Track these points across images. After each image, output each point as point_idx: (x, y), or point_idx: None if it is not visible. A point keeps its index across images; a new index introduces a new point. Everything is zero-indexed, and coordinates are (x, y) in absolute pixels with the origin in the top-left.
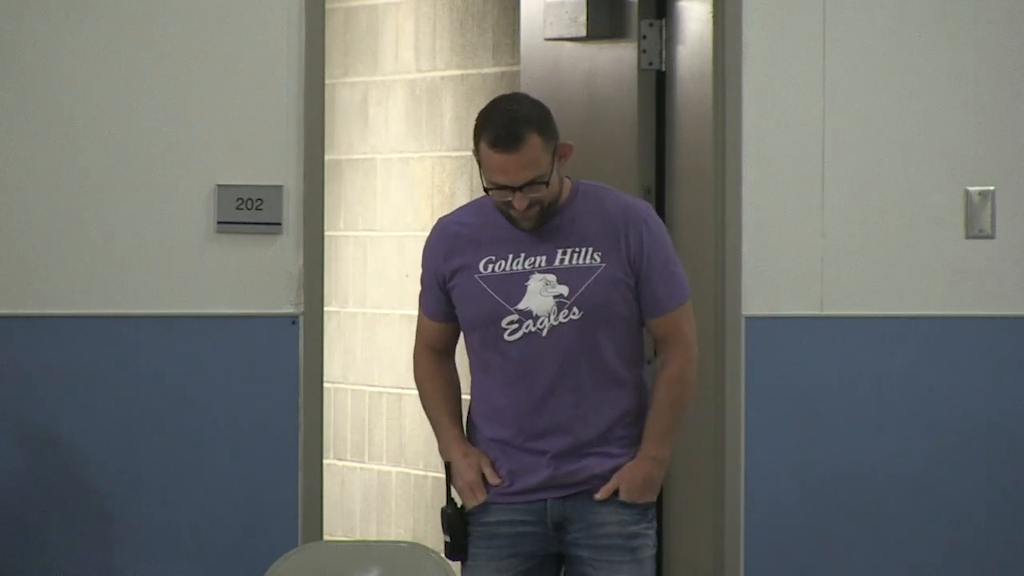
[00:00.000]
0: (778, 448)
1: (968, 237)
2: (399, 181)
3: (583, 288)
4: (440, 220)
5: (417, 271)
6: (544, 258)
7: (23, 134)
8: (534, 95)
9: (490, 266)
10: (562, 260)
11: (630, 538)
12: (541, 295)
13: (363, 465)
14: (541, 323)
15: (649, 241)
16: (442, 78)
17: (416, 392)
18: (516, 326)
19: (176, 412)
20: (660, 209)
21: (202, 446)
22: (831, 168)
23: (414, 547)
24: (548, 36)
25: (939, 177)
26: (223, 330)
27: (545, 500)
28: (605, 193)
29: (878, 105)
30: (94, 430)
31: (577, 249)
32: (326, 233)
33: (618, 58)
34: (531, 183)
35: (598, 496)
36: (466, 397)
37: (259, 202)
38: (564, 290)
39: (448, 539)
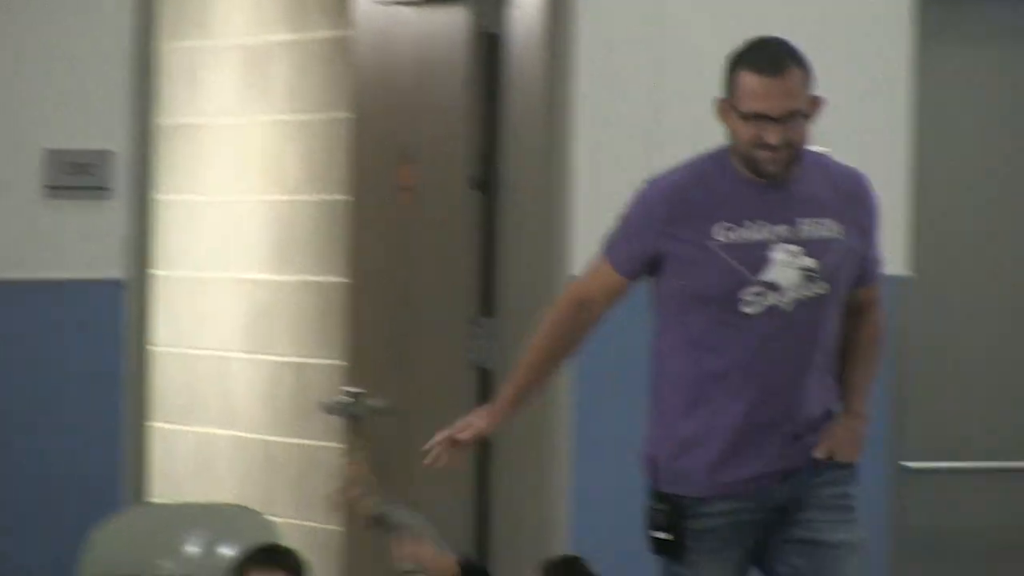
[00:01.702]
0: (608, 418)
1: None
2: (229, 147)
3: (830, 261)
4: (657, 181)
5: (249, 237)
6: (785, 227)
7: None
8: (367, 60)
9: (727, 234)
10: (805, 230)
11: (846, 497)
12: (787, 268)
13: (189, 428)
14: (785, 296)
15: (874, 211)
16: (274, 42)
17: (251, 357)
18: (758, 299)
19: (1, 377)
20: (492, 173)
21: (27, 411)
22: (664, 131)
23: (240, 508)
24: (382, 0)
25: None
26: (51, 295)
27: (768, 488)
28: (825, 159)
29: (715, 65)
30: None
31: (819, 220)
32: (155, 198)
33: (451, 22)
34: (790, 115)
35: (817, 454)
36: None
37: (89, 167)
38: (812, 263)
39: (667, 536)
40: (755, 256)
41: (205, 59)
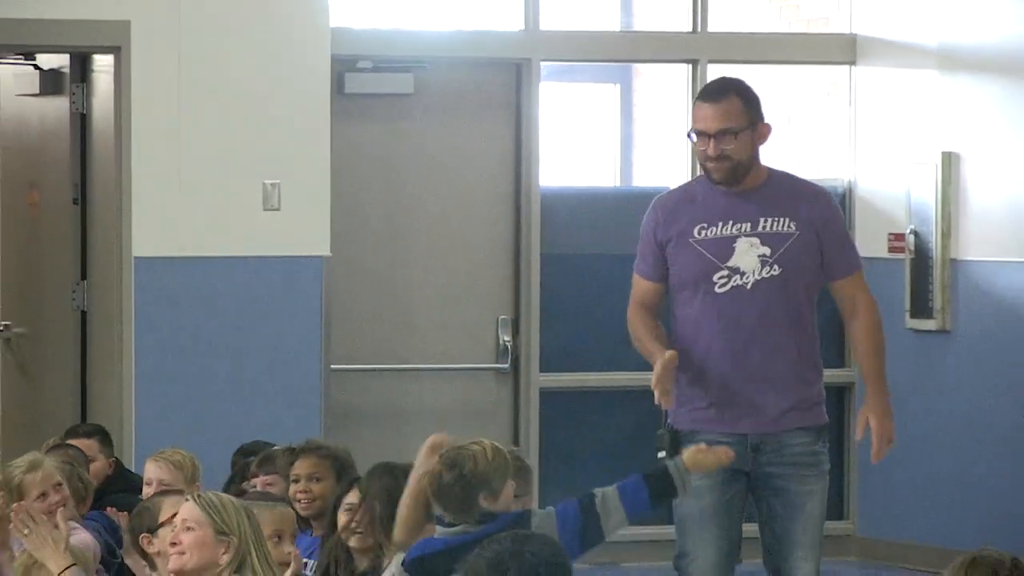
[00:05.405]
0: (164, 369)
1: (266, 209)
2: None
3: (782, 249)
4: (657, 198)
5: None
6: (748, 224)
7: None
8: (10, 128)
9: (702, 232)
10: (763, 227)
11: (813, 455)
12: (747, 255)
13: None
14: (746, 278)
15: (830, 216)
16: None
17: None
18: (725, 280)
19: None
20: (84, 195)
21: None
22: (186, 157)
23: None
24: (17, 93)
25: (247, 172)
26: None
27: (746, 434)
28: (794, 177)
29: (193, 122)
30: None
31: (777, 218)
32: None
33: (59, 106)
34: (723, 132)
35: (875, 460)
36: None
37: None
38: (767, 251)
39: (665, 456)
40: (723, 248)
41: None
